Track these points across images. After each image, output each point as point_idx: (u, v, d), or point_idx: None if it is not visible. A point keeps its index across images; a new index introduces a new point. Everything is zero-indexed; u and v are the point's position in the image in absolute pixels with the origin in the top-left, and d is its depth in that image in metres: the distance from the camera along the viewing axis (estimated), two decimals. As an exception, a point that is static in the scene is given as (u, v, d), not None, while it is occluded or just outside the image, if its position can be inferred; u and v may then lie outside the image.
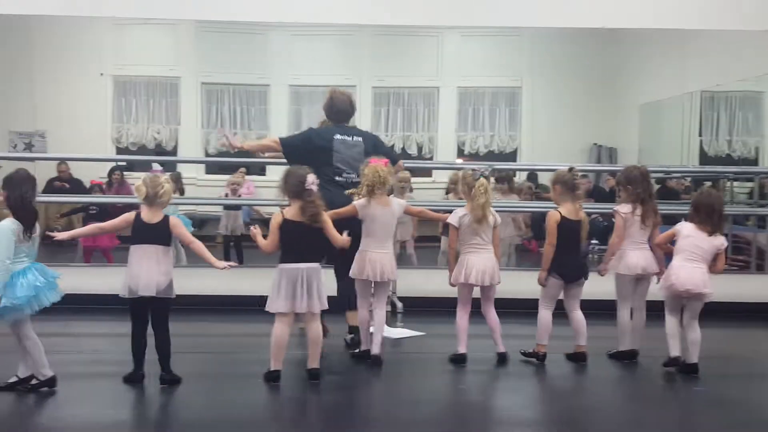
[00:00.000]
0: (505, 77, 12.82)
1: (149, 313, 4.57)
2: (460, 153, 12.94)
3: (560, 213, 5.22)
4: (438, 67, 12.81)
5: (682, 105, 11.37)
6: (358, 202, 5.16)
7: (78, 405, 4.33)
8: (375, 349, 5.13)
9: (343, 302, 5.49)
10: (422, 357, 5.52)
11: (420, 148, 12.95)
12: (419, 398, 4.62)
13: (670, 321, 5.02)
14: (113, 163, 11.14)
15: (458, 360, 5.21)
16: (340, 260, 5.36)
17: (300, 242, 4.62)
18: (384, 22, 8.52)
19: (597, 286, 5.39)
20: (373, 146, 5.68)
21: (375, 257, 5.11)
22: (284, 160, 5.62)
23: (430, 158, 12.79)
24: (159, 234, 4.57)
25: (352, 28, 10.65)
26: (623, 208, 5.32)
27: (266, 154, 6.52)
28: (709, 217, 4.95)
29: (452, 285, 5.30)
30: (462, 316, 5.27)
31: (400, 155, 12.27)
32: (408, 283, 6.71)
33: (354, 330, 5.47)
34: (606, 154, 12.57)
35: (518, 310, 5.67)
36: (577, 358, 5.26)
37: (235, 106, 12.83)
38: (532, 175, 11.33)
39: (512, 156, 12.85)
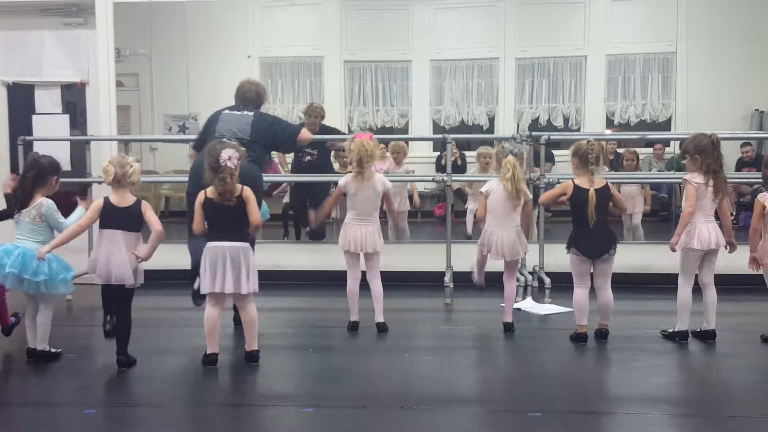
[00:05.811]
0: (659, 42, 12.12)
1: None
2: (609, 124, 12.47)
3: (573, 184, 5.10)
4: (585, 35, 12.34)
5: None
6: (341, 180, 5.41)
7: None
8: (379, 317, 5.43)
9: None
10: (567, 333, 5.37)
11: (566, 120, 12.57)
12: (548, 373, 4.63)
13: None
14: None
15: (507, 328, 5.39)
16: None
17: (221, 220, 4.51)
18: (530, -10, 8.34)
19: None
20: (265, 122, 5.51)
21: (357, 230, 5.33)
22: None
23: (577, 130, 12.38)
24: (129, 219, 4.49)
25: (496, -1, 10.47)
26: (696, 178, 5.01)
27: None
28: None
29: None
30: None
31: (546, 128, 12.05)
32: (555, 257, 6.54)
33: None
34: (769, 121, 11.74)
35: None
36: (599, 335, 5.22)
37: (377, 83, 12.88)
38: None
39: (666, 125, 12.22)
